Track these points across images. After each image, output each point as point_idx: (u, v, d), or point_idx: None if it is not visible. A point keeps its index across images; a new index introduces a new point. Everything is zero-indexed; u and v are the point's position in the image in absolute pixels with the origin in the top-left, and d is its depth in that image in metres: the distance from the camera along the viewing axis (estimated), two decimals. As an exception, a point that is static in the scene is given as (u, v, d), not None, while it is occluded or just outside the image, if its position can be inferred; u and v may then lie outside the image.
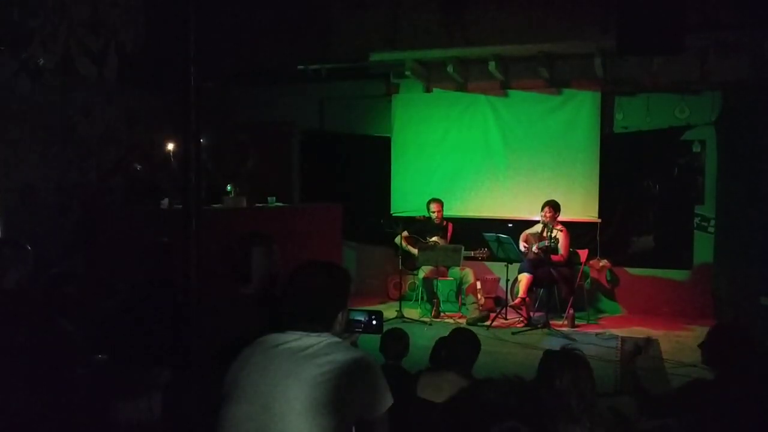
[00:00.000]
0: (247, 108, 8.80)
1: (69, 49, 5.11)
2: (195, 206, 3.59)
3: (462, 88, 8.13)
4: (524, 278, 6.94)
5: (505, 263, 7.04)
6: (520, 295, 6.93)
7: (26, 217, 6.16)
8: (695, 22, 6.00)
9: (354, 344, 2.53)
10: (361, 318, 2.78)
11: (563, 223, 7.21)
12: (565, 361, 2.45)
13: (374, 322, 2.83)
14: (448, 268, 7.33)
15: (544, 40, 7.07)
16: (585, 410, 2.30)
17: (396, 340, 3.56)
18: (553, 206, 7.01)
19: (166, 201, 6.15)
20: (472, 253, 7.24)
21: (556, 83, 7.75)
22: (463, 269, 7.25)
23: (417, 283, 7.61)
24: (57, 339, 3.04)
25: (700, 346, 3.21)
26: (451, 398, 1.41)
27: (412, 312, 7.40)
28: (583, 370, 2.45)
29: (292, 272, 2.21)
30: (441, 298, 7.56)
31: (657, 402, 3.20)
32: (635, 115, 7.67)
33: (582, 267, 7.35)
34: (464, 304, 7.37)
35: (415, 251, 7.42)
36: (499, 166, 8.04)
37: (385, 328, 3.34)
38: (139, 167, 6.82)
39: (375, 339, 3.33)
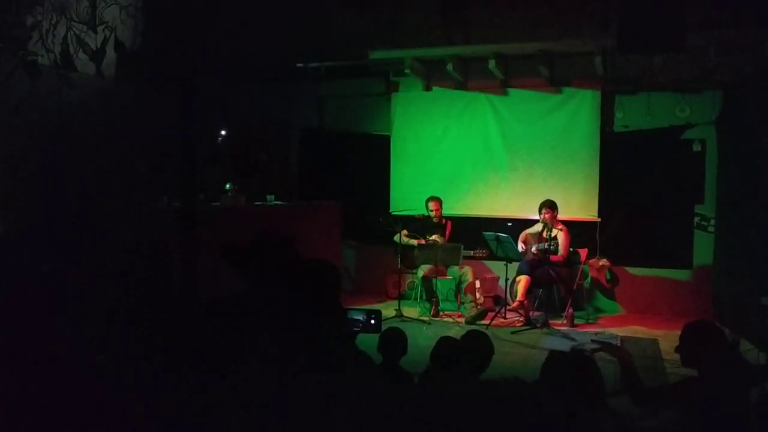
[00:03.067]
0: (247, 106, 8.77)
1: (67, 46, 5.10)
2: (193, 205, 3.58)
3: (462, 86, 8.12)
4: (523, 280, 6.91)
5: (505, 262, 7.02)
6: (518, 298, 6.89)
7: (25, 215, 6.14)
8: (696, 20, 5.98)
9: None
10: (360, 317, 2.77)
11: (563, 222, 7.19)
12: (572, 363, 2.42)
13: (373, 322, 2.82)
14: (447, 266, 7.31)
15: (544, 39, 7.06)
16: (592, 414, 2.28)
17: (394, 339, 3.54)
18: (550, 206, 6.99)
19: (164, 199, 6.13)
20: (471, 252, 7.22)
21: (556, 82, 7.74)
22: (462, 268, 7.23)
23: (416, 281, 7.59)
24: (53, 339, 3.02)
25: (676, 350, 3.19)
26: (452, 400, 1.40)
27: (411, 311, 7.38)
28: (591, 372, 2.42)
29: (288, 272, 2.19)
30: (440, 297, 7.54)
31: (650, 395, 3.19)
32: (635, 113, 7.65)
33: (581, 266, 7.33)
34: (463, 303, 7.35)
35: (414, 243, 7.41)
36: (498, 165, 8.02)
37: (383, 327, 3.33)
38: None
39: (373, 338, 3.32)
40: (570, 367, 2.40)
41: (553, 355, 2.52)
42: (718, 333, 3.14)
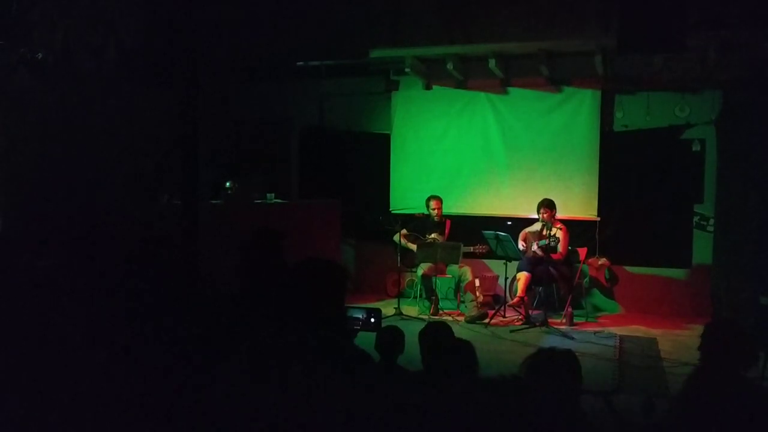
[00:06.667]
0: (247, 104, 8.78)
1: (68, 43, 5.10)
2: (194, 202, 3.59)
3: (462, 85, 8.12)
4: (523, 277, 6.93)
5: (504, 261, 7.04)
6: (518, 294, 6.91)
7: (25, 212, 6.14)
8: (696, 20, 5.99)
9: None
10: (360, 315, 2.78)
11: (562, 221, 7.21)
12: (550, 360, 2.43)
13: (373, 320, 2.83)
14: (446, 265, 7.32)
15: (544, 38, 7.07)
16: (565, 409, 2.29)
17: (392, 338, 3.52)
18: (548, 206, 7.00)
19: (165, 197, 6.15)
20: (471, 248, 7.24)
21: (556, 81, 7.74)
22: (462, 267, 7.24)
23: (416, 280, 7.60)
24: (51, 335, 3.03)
25: (699, 348, 3.19)
26: (450, 398, 1.41)
27: (410, 309, 7.39)
28: (568, 367, 2.43)
29: (291, 270, 2.20)
30: (440, 296, 7.56)
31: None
32: (635, 113, 7.66)
33: (581, 265, 7.35)
34: (463, 302, 7.37)
35: (413, 247, 7.42)
36: (498, 164, 8.03)
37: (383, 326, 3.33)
38: None
39: (372, 336, 3.33)
40: (551, 364, 2.41)
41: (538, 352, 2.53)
42: (740, 333, 3.13)
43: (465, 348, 3.14)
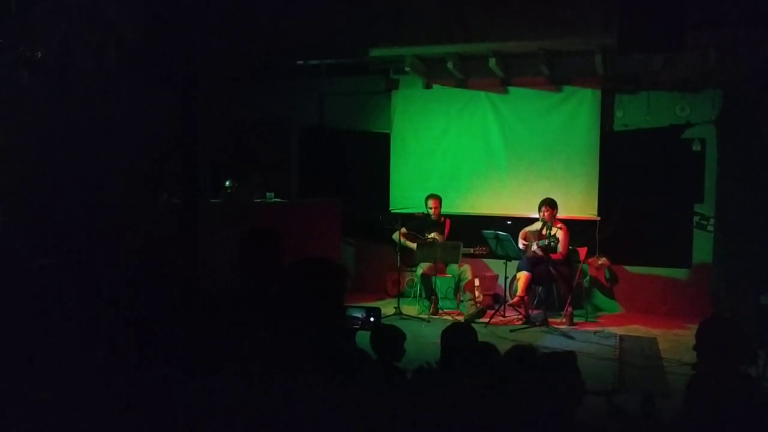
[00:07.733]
0: (246, 104, 8.77)
1: (68, 43, 5.09)
2: (194, 202, 3.59)
3: (462, 84, 8.12)
4: (523, 276, 6.94)
5: (504, 260, 7.03)
6: (518, 294, 6.92)
7: (25, 213, 6.13)
8: (696, 19, 5.98)
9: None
10: (359, 315, 2.78)
11: (562, 220, 7.21)
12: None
13: (372, 319, 2.83)
14: (446, 264, 7.32)
15: (544, 37, 7.05)
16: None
17: (391, 339, 3.37)
18: (550, 204, 7.00)
19: (165, 196, 6.14)
20: (472, 250, 7.24)
21: (556, 80, 7.74)
22: (462, 266, 7.24)
23: (415, 279, 7.60)
24: (51, 334, 3.03)
25: (694, 348, 3.19)
26: (451, 398, 1.41)
27: (410, 309, 7.39)
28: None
29: (290, 269, 2.20)
30: (439, 295, 7.56)
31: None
32: (635, 112, 7.65)
33: (581, 265, 7.35)
34: (462, 301, 7.37)
35: (413, 245, 7.42)
36: (498, 163, 8.03)
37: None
38: None
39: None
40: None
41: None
42: (735, 331, 3.12)
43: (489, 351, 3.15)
